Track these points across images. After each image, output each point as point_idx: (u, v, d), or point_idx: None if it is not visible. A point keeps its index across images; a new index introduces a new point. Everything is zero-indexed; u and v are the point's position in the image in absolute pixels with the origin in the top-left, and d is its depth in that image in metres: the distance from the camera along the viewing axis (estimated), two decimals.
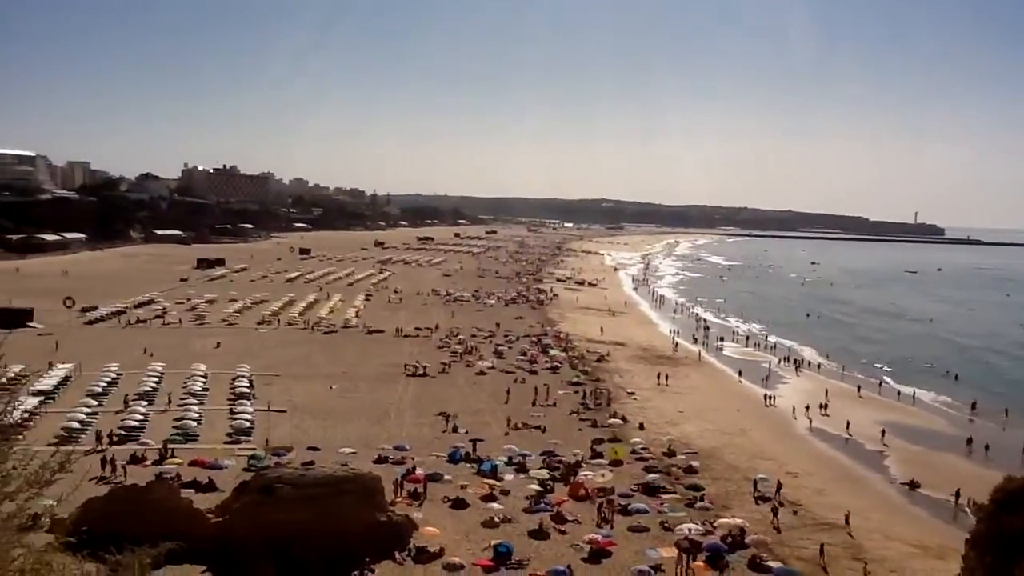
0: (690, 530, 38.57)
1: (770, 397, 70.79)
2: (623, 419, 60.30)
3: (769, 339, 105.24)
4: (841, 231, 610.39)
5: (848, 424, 62.55)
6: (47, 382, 59.82)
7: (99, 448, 46.80)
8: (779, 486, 45.97)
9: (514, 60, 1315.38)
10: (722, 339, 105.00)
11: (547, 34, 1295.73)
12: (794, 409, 67.18)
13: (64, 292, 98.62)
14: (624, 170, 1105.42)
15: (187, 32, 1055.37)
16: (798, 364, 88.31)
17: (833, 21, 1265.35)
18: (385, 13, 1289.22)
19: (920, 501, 48.18)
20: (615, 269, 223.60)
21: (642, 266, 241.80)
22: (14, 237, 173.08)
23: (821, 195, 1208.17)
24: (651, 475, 47.42)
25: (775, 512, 41.98)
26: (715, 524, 39.91)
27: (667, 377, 75.64)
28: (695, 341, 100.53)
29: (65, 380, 63.35)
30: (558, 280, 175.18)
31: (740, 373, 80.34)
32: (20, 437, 5.60)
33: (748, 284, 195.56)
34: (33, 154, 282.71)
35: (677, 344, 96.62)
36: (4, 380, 7.01)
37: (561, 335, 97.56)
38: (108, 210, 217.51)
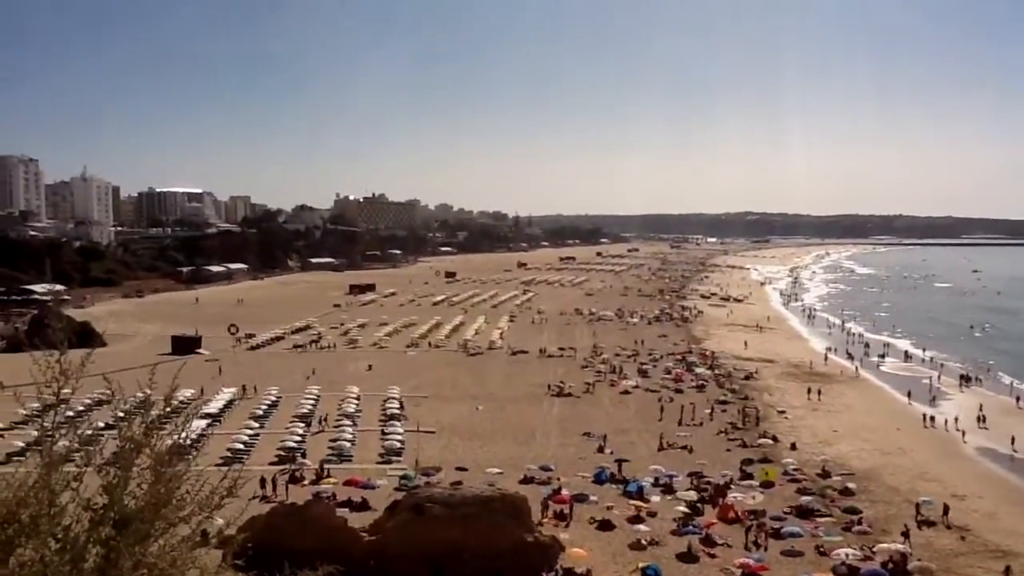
0: (848, 555, 37.06)
1: (930, 416, 66.73)
2: (774, 439, 58.48)
3: (928, 354, 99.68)
4: (1007, 235, 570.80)
5: (1013, 440, 58.28)
6: (214, 405, 63.61)
7: (294, 468, 49.43)
8: (946, 509, 43.46)
9: (636, 74, 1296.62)
10: (882, 356, 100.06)
11: (676, 45, 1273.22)
12: (946, 422, 63.62)
13: (230, 320, 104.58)
14: (769, 182, 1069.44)
15: (334, 73, 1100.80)
16: (964, 380, 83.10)
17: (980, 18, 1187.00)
18: (526, 41, 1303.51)
19: None
20: (762, 284, 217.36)
21: (790, 280, 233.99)
22: (184, 269, 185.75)
23: (984, 199, 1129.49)
24: (805, 497, 45.76)
25: (906, 535, 39.40)
26: (875, 549, 38.16)
27: (820, 394, 72.92)
28: (850, 357, 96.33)
29: (230, 403, 67.29)
30: (702, 296, 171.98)
31: (909, 394, 74.29)
32: (192, 458, 6.09)
33: (904, 296, 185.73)
34: (201, 191, 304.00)
35: (827, 358, 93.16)
36: (177, 403, 7.60)
37: (707, 353, 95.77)
38: (268, 240, 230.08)
